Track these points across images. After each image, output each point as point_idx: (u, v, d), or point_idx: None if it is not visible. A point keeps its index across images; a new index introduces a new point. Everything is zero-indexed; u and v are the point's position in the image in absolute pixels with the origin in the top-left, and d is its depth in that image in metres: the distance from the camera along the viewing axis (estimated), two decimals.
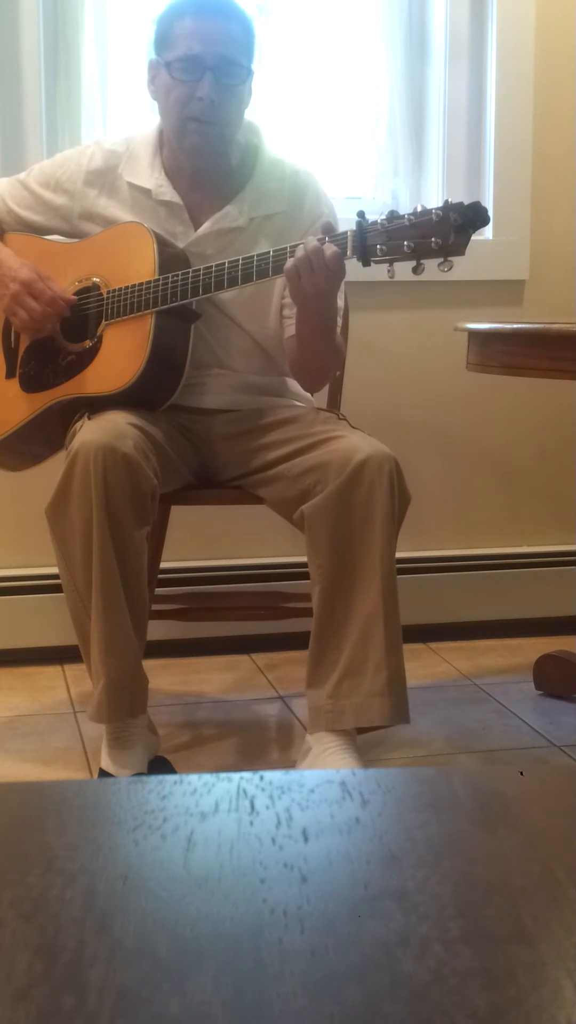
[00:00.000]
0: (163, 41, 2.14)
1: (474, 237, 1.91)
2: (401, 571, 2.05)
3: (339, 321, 2.20)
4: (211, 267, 2.07)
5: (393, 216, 1.91)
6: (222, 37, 2.09)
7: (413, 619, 2.44)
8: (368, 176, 2.88)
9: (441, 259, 1.88)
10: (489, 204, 2.81)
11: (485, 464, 2.99)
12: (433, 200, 2.79)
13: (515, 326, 2.20)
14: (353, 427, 2.16)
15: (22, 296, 2.17)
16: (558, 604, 2.94)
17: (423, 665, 2.74)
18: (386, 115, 2.86)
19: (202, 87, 2.08)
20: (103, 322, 2.17)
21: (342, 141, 2.89)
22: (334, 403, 2.51)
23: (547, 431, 2.98)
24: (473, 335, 2.24)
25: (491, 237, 2.90)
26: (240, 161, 2.24)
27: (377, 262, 1.93)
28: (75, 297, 2.20)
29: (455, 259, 1.88)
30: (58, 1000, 0.48)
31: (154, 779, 0.69)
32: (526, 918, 0.55)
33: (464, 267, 2.73)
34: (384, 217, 1.92)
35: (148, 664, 2.08)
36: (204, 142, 2.15)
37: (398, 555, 2.03)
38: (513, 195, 2.90)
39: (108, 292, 2.17)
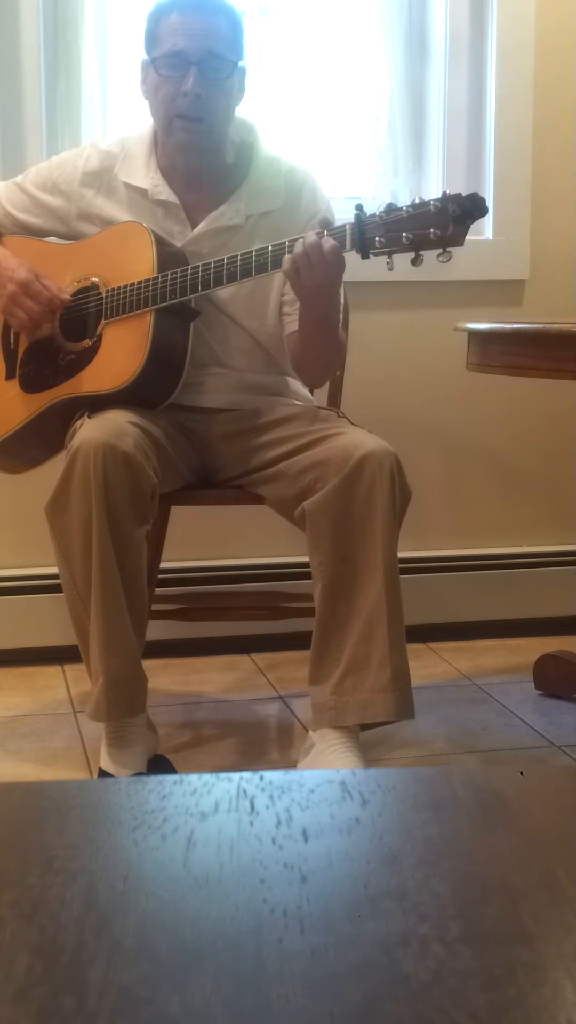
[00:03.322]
0: (151, 39, 2.15)
1: (474, 237, 1.91)
2: (401, 571, 2.05)
3: (339, 317, 2.20)
4: (209, 264, 2.07)
5: (391, 208, 1.91)
6: (207, 31, 2.09)
7: (413, 619, 2.44)
8: (368, 176, 2.88)
9: (440, 250, 1.88)
10: (489, 204, 2.80)
11: (485, 464, 2.99)
12: None
13: (515, 326, 2.20)
14: (353, 424, 2.16)
15: (19, 297, 2.17)
16: (558, 604, 2.94)
17: (423, 665, 2.73)
18: (386, 115, 2.86)
19: (187, 81, 2.09)
20: (102, 321, 2.17)
21: (342, 141, 2.88)
22: (334, 403, 2.51)
23: (547, 431, 2.98)
24: (473, 335, 2.24)
25: (491, 237, 2.90)
26: (236, 159, 2.24)
27: (376, 254, 1.93)
28: (70, 298, 2.20)
29: (454, 257, 1.89)
30: (58, 1000, 0.48)
31: (154, 779, 0.69)
32: (526, 918, 0.55)
33: (464, 267, 2.74)
34: (382, 210, 1.92)
35: (148, 664, 2.08)
36: (192, 139, 2.15)
37: (398, 555, 2.02)
38: (513, 195, 2.90)
39: (107, 291, 2.17)
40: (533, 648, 2.70)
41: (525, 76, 2.87)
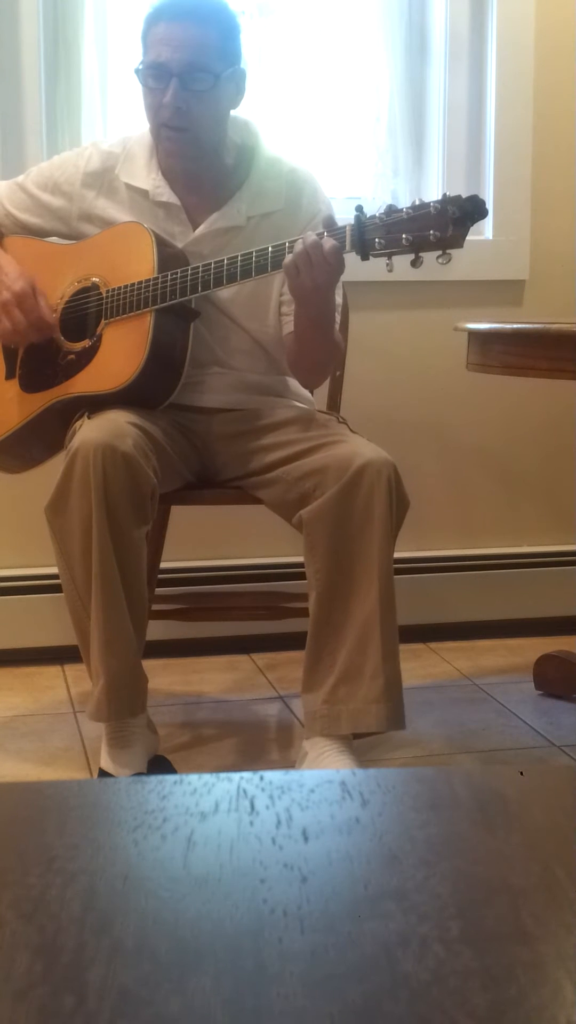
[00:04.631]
0: (142, 46, 2.14)
1: (475, 237, 1.91)
2: (401, 571, 2.05)
3: (337, 318, 2.20)
4: (209, 264, 2.07)
5: (391, 210, 1.91)
6: (190, 43, 2.07)
7: (413, 619, 2.45)
8: (368, 176, 2.88)
9: (439, 252, 1.88)
10: (489, 204, 2.80)
11: (485, 464, 2.99)
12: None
13: (515, 326, 2.20)
14: (353, 431, 2.16)
15: (11, 307, 2.17)
16: (558, 604, 2.94)
17: (423, 665, 2.73)
18: (386, 115, 2.86)
19: (168, 94, 2.08)
20: (102, 321, 2.17)
21: (342, 141, 2.89)
22: (334, 403, 2.51)
23: (547, 431, 2.98)
24: (473, 335, 2.24)
25: (491, 237, 2.90)
26: (236, 161, 2.24)
27: (376, 256, 1.93)
28: (55, 326, 2.19)
29: (454, 257, 1.89)
30: (58, 1000, 0.48)
31: (154, 779, 0.69)
32: (526, 918, 0.55)
33: (464, 267, 2.74)
34: (382, 211, 1.92)
35: (148, 664, 2.08)
36: (178, 147, 2.15)
37: (397, 555, 2.02)
38: (513, 195, 2.90)
39: (107, 291, 2.17)
40: (533, 648, 2.70)
41: (525, 76, 2.87)
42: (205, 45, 2.09)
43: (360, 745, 2.07)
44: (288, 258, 1.97)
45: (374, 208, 1.96)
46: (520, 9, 2.85)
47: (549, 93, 2.89)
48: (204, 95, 2.10)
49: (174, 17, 2.09)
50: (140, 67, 2.13)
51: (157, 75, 2.09)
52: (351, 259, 1.97)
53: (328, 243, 1.94)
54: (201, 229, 2.20)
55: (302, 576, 2.09)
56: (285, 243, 2.00)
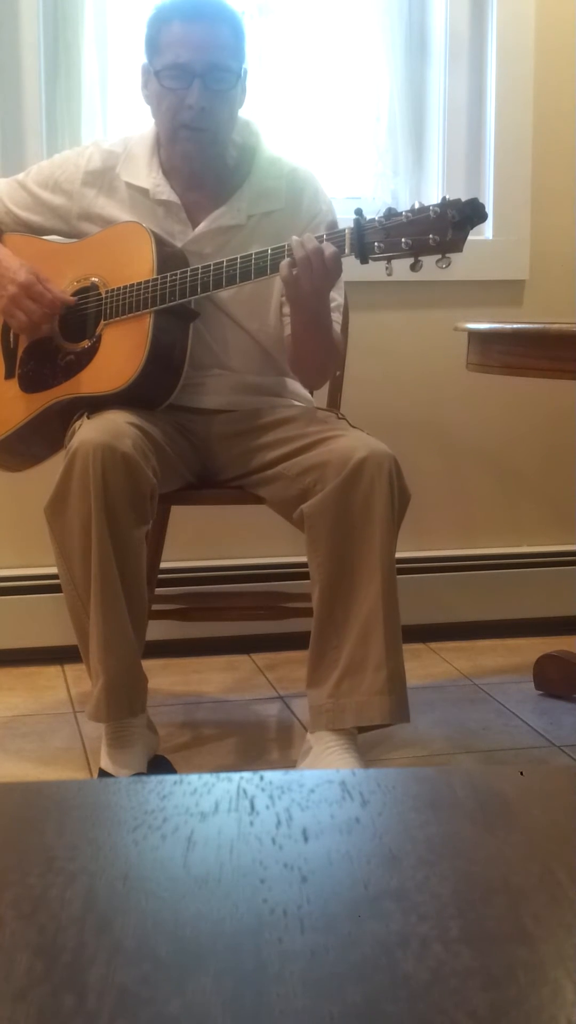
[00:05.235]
0: (152, 47, 2.13)
1: (474, 237, 1.90)
2: (401, 571, 2.05)
3: (339, 318, 2.20)
4: (209, 266, 2.07)
5: (391, 213, 1.91)
6: (210, 42, 2.08)
7: (413, 619, 2.44)
8: (368, 176, 2.88)
9: (439, 256, 1.88)
10: (489, 204, 2.82)
11: (485, 464, 2.99)
12: (433, 200, 2.79)
13: (515, 326, 2.20)
14: (352, 426, 2.16)
15: (20, 298, 2.17)
16: (558, 604, 2.94)
17: (423, 665, 2.73)
18: (386, 115, 2.86)
19: (192, 95, 2.07)
20: (102, 322, 2.17)
21: (342, 141, 2.89)
22: (334, 403, 2.51)
23: (547, 431, 2.98)
24: (473, 335, 2.24)
25: (491, 237, 2.90)
26: (237, 160, 2.24)
27: (375, 259, 1.93)
28: (73, 299, 2.20)
29: (454, 257, 1.89)
30: (58, 1000, 0.48)
31: (154, 779, 0.69)
32: (526, 918, 0.55)
33: (464, 267, 2.74)
34: (382, 215, 1.92)
35: (148, 664, 2.08)
36: (197, 149, 2.15)
37: (398, 555, 2.02)
38: (513, 195, 2.90)
39: (107, 292, 2.17)
40: (533, 648, 2.70)
41: (525, 76, 2.87)
42: (223, 45, 2.09)
43: (362, 742, 2.07)
44: (285, 264, 1.96)
45: (374, 209, 1.96)
46: (520, 9, 2.85)
47: (549, 93, 2.89)
48: (226, 94, 2.10)
49: (187, 17, 2.09)
50: (155, 70, 2.11)
51: (177, 76, 2.08)
52: (349, 259, 1.97)
53: (328, 248, 1.94)
54: (201, 227, 2.20)
55: (302, 576, 2.09)
56: (284, 245, 1.99)
